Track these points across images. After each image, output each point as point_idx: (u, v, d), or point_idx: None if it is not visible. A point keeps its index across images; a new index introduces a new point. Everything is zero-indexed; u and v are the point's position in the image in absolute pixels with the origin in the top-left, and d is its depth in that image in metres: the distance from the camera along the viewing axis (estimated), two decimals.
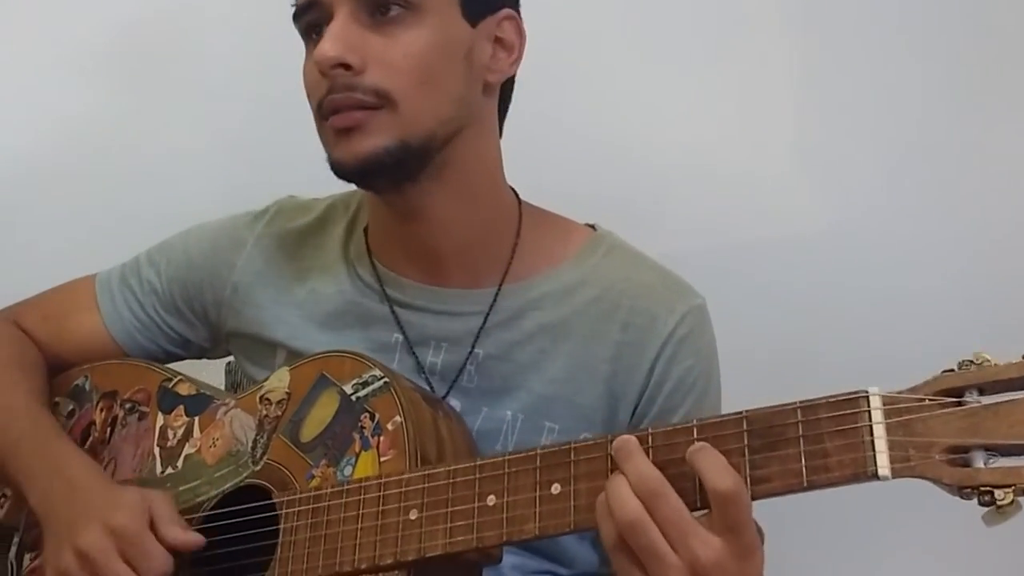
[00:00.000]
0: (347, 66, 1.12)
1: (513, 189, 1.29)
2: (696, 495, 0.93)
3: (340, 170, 1.15)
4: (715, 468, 0.90)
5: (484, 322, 1.22)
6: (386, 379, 1.12)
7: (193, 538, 1.14)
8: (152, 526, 1.12)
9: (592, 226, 1.31)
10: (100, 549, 1.09)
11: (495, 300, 1.22)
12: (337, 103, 1.13)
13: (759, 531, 0.94)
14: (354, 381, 1.13)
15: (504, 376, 1.22)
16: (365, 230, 1.30)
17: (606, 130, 1.82)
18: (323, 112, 1.15)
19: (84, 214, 1.90)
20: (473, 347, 1.22)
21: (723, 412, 1.22)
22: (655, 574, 0.91)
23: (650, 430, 0.96)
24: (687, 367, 1.21)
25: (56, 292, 1.42)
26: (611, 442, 0.97)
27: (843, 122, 1.80)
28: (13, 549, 1.27)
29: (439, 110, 1.14)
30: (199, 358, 1.41)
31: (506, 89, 1.25)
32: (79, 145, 1.91)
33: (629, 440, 0.94)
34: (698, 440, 0.93)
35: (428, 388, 1.22)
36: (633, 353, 1.21)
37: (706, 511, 0.92)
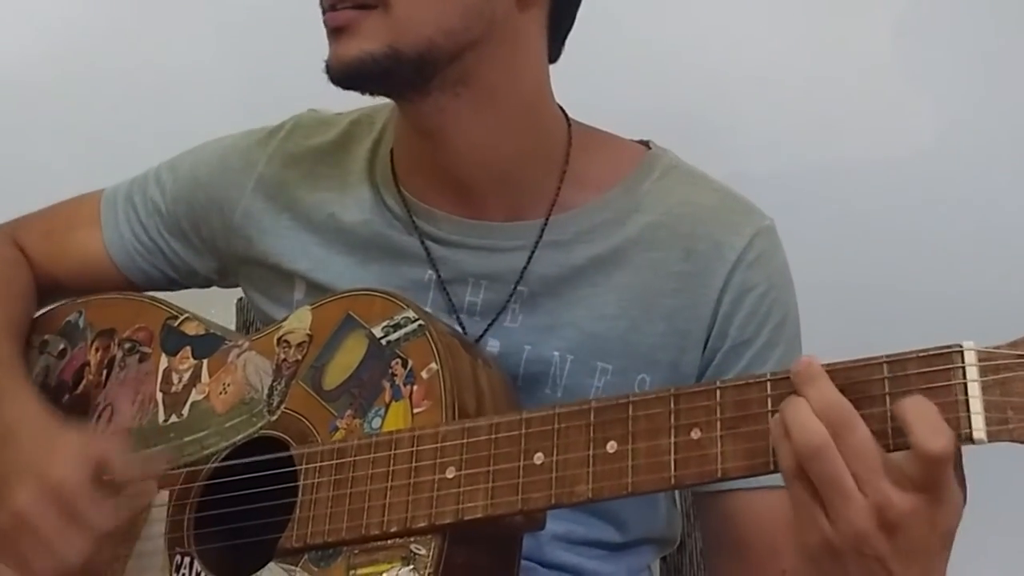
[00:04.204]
0: None
1: (563, 109, 1.26)
2: None
3: (329, 74, 1.14)
4: (928, 421, 0.86)
5: (529, 260, 1.22)
6: (420, 321, 1.10)
7: (154, 465, 1.14)
8: (104, 471, 1.10)
9: (646, 144, 1.29)
10: (36, 511, 1.08)
11: (541, 234, 1.22)
12: None
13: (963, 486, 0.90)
14: (384, 323, 1.12)
15: (550, 312, 1.21)
16: (392, 152, 1.28)
17: (667, 35, 1.79)
18: (322, 4, 1.14)
19: (85, 128, 1.91)
20: (516, 285, 1.22)
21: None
22: (836, 511, 0.87)
23: (718, 384, 0.96)
24: (760, 294, 1.21)
25: (62, 206, 1.42)
26: (674, 396, 0.96)
27: (946, 21, 1.75)
28: None
29: (443, 19, 1.12)
30: (206, 287, 1.40)
31: (560, 6, 1.21)
32: (81, 54, 1.91)
33: (813, 363, 0.91)
34: (772, 395, 0.93)
35: (461, 329, 1.21)
36: (698, 284, 1.21)
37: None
